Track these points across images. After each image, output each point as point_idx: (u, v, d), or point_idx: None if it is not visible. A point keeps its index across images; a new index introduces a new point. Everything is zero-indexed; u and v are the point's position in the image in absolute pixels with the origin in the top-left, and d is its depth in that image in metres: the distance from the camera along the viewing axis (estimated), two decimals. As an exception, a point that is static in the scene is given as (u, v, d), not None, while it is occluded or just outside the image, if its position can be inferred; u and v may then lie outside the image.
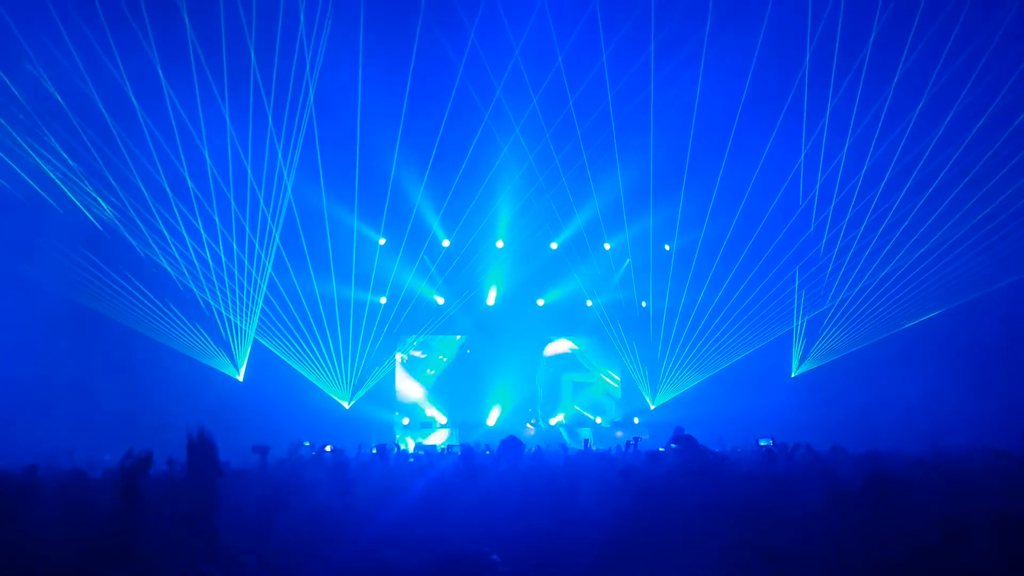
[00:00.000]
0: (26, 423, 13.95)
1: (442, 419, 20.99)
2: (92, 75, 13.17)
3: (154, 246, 15.48)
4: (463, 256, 18.78)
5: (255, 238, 16.38)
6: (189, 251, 15.83)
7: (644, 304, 19.59)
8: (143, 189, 14.74)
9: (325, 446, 10.30)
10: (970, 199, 14.93)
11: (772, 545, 3.46)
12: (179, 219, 15.38)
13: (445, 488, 5.28)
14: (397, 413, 20.55)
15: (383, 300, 19.03)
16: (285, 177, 15.85)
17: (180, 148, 14.61)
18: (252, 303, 17.07)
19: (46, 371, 15.25)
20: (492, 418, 21.17)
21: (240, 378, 17.59)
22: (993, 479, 5.39)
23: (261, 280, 16.92)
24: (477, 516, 4.39)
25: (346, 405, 19.07)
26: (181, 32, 13.45)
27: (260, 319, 17.39)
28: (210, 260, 16.08)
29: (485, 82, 14.95)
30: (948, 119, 14.46)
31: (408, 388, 20.87)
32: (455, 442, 17.21)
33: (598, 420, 21.11)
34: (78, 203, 14.51)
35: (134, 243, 15.24)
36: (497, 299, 20.36)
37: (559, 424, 20.97)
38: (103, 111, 13.69)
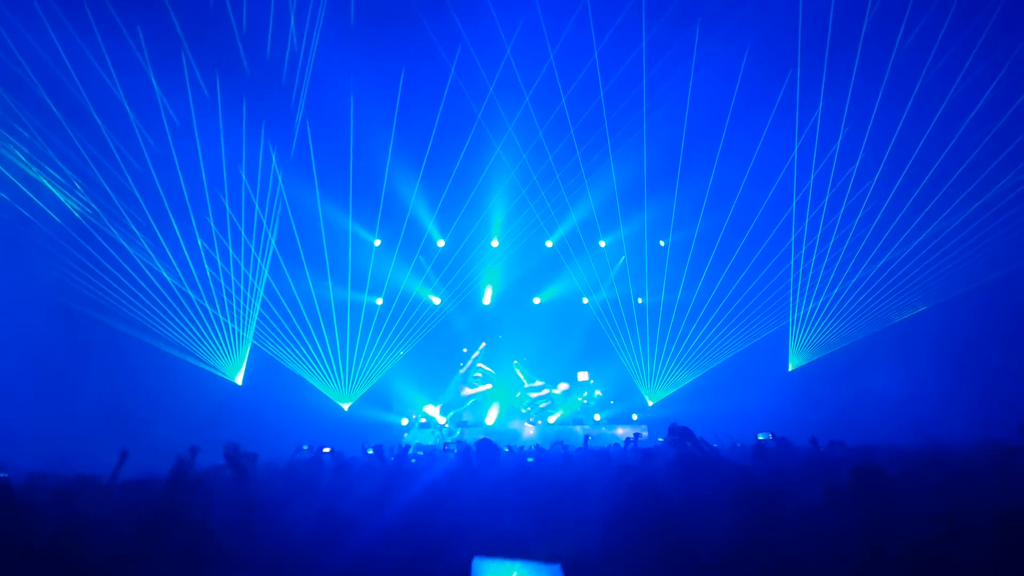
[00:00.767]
0: (22, 428, 13.95)
1: (441, 420, 21.02)
2: (84, 81, 13.16)
3: (150, 252, 15.48)
4: (458, 256, 18.78)
5: (251, 242, 16.39)
6: (185, 256, 15.82)
7: (640, 300, 19.60)
8: (138, 195, 14.74)
9: (323, 448, 10.30)
10: (962, 191, 15.02)
11: (768, 540, 3.47)
12: (174, 224, 15.37)
13: (445, 488, 5.29)
14: (409, 418, 20.59)
15: (379, 301, 19.04)
16: (279, 181, 15.85)
17: (174, 153, 14.61)
18: (249, 307, 17.07)
19: (43, 377, 15.25)
20: (491, 417, 21.21)
21: (239, 382, 17.59)
22: (992, 473, 5.39)
23: (258, 284, 16.94)
24: (476, 515, 4.40)
25: (344, 407, 19.09)
26: (173, 38, 13.46)
27: (257, 322, 17.40)
28: (206, 265, 16.07)
29: (477, 81, 14.96)
30: (940, 111, 14.53)
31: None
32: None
33: (596, 417, 21.11)
34: (73, 209, 14.51)
35: (130, 249, 15.23)
36: (493, 298, 20.38)
37: (558, 422, 20.97)
38: (96, 117, 13.67)
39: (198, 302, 16.48)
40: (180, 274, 16.01)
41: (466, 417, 21.06)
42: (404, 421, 20.78)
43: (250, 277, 16.68)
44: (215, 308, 16.70)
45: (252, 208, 16.02)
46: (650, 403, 20.26)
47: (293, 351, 18.21)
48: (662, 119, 15.81)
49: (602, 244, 19.15)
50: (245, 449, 8.05)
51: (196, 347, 16.78)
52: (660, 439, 13.60)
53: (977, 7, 13.69)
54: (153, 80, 13.58)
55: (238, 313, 16.97)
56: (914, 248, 16.02)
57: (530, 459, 9.96)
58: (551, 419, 21.07)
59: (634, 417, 20.82)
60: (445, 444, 13.60)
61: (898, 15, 13.96)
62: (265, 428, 15.55)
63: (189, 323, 16.46)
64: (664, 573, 3.41)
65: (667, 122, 15.84)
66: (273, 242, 16.50)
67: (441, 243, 18.96)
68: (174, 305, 16.17)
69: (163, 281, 15.86)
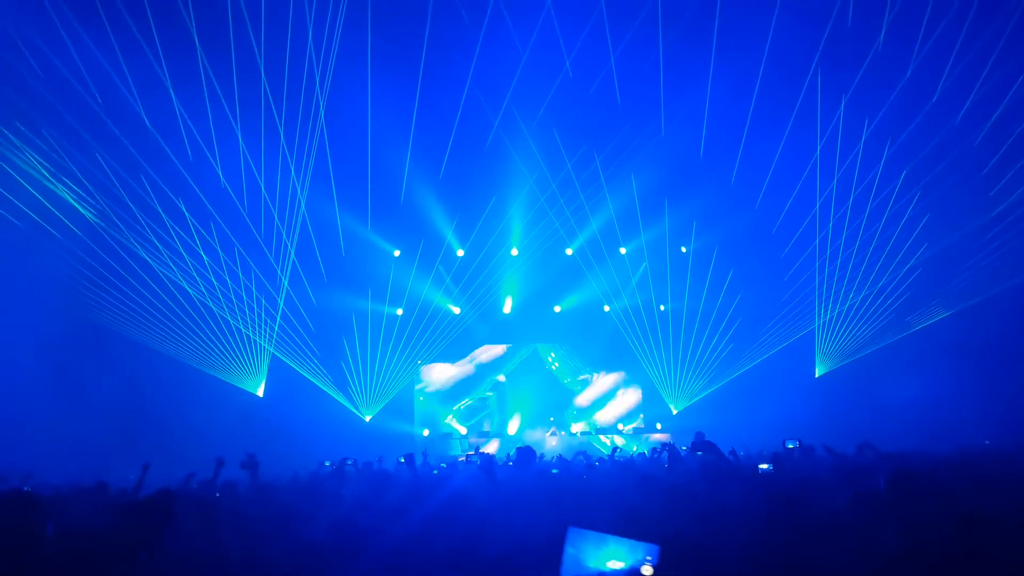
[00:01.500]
0: (48, 441, 14.10)
1: (462, 430, 20.99)
2: (104, 95, 13.33)
3: (171, 264, 15.62)
4: (478, 265, 18.74)
5: (271, 254, 16.49)
6: (206, 268, 15.96)
7: (663, 308, 19.43)
8: (158, 207, 14.90)
9: (346, 460, 10.27)
10: (986, 194, 14.76)
11: (795, 550, 3.38)
12: (195, 237, 15.52)
13: (467, 498, 5.25)
14: (427, 429, 20.57)
15: (399, 312, 19.06)
16: (299, 192, 15.94)
17: (194, 166, 14.76)
18: (270, 319, 17.17)
19: (68, 391, 15.44)
20: (512, 427, 21.11)
21: (260, 394, 17.67)
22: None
23: (278, 296, 17.03)
24: (498, 524, 4.36)
25: (366, 419, 19.10)
26: (192, 52, 13.59)
27: (278, 334, 17.48)
28: (227, 277, 16.20)
29: (495, 90, 14.94)
30: (961, 114, 14.29)
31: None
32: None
33: (621, 427, 20.94)
34: (94, 221, 14.68)
35: (150, 261, 15.38)
36: (513, 307, 20.32)
37: (583, 432, 20.83)
38: (114, 129, 13.85)
39: (219, 314, 16.60)
40: (201, 286, 16.14)
41: (487, 428, 20.98)
42: (426, 432, 20.74)
43: (270, 289, 16.79)
44: (236, 320, 16.81)
45: (271, 220, 16.13)
46: (674, 411, 20.05)
47: (313, 363, 18.28)
48: (681, 123, 15.66)
49: (622, 251, 19.01)
50: (262, 460, 8.09)
51: (216, 359, 16.89)
52: (684, 448, 13.40)
53: (999, 7, 13.43)
54: (173, 96, 13.73)
55: (258, 325, 17.07)
56: (938, 252, 15.77)
57: (555, 471, 9.88)
58: (574, 428, 20.93)
59: (658, 426, 20.61)
60: (468, 455, 13.53)
61: (919, 15, 13.73)
62: (286, 440, 15.62)
63: (209, 335, 16.58)
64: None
65: (687, 126, 15.69)
66: (293, 254, 16.58)
67: (460, 252, 18.94)
68: (195, 317, 16.30)
69: (184, 293, 16.00)
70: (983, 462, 6.47)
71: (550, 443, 19.83)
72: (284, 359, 17.91)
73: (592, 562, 3.25)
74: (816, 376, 18.66)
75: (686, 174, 16.34)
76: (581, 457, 12.67)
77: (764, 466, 8.72)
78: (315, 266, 17.36)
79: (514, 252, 19.12)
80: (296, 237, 16.52)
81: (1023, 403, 14.45)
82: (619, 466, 9.47)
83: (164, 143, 14.34)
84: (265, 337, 17.29)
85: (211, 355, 16.86)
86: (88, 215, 14.52)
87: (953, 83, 14.07)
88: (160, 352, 16.15)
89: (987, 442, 12.72)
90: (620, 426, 20.90)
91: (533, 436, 20.42)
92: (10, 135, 13.23)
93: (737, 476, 5.58)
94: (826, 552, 3.42)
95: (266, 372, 17.72)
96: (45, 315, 15.15)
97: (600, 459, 13.33)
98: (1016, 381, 15.24)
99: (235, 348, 17.09)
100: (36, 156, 13.56)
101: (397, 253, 18.55)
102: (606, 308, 19.97)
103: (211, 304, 16.36)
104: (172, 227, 15.31)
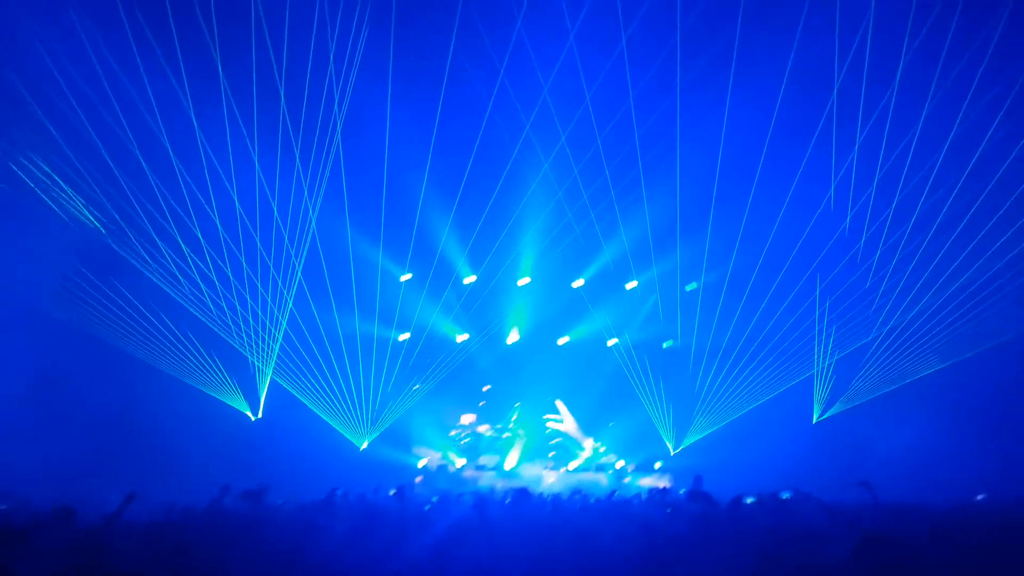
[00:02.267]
0: (40, 457, 13.88)
1: (460, 461, 20.73)
2: (125, 113, 13.34)
3: (173, 280, 15.50)
4: (488, 293, 18.59)
5: (278, 275, 16.37)
6: (210, 286, 15.84)
7: (665, 345, 19.23)
8: (170, 223, 14.83)
9: (335, 490, 10.06)
10: (990, 248, 14.70)
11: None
12: (200, 252, 15.42)
13: (458, 541, 5.08)
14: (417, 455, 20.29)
15: (404, 337, 18.85)
16: (310, 212, 15.87)
17: (208, 183, 14.71)
18: (272, 339, 16.99)
19: (53, 401, 15.22)
20: (511, 460, 20.79)
21: (257, 416, 17.44)
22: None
23: (282, 317, 16.87)
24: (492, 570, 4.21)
25: (363, 445, 18.82)
26: (212, 71, 13.63)
27: (279, 357, 17.28)
28: (235, 297, 16.07)
29: (514, 120, 15.03)
30: (976, 157, 14.25)
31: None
32: None
33: (619, 465, 20.62)
34: (99, 230, 14.61)
35: (151, 275, 15.26)
36: (519, 337, 20.15)
37: (579, 468, 20.50)
38: (135, 149, 13.86)
39: (220, 333, 16.43)
40: (205, 303, 15.99)
41: (484, 461, 20.67)
42: (423, 462, 20.44)
43: (275, 310, 16.63)
44: (236, 340, 16.63)
45: (281, 240, 16.03)
46: (672, 452, 19.75)
47: (313, 386, 18.06)
48: (696, 160, 15.75)
49: (629, 286, 18.87)
50: (259, 487, 7.90)
51: (214, 379, 16.67)
52: (682, 491, 13.21)
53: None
54: (192, 114, 13.74)
55: (260, 346, 16.88)
56: (941, 304, 15.68)
57: (550, 510, 9.64)
58: (571, 465, 20.62)
59: (656, 466, 20.33)
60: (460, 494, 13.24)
61: (937, 53, 13.67)
62: (281, 465, 15.38)
63: (208, 354, 16.39)
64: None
65: (701, 163, 15.81)
66: (299, 275, 16.46)
67: (469, 280, 18.77)
68: (194, 333, 16.08)
69: (183, 309, 15.79)
70: (963, 527, 6.30)
71: (547, 479, 19.54)
72: (282, 382, 17.69)
73: None
74: (813, 421, 18.50)
75: (699, 210, 16.31)
76: (578, 496, 12.42)
77: (749, 500, 8.57)
78: (322, 288, 17.24)
79: (522, 282, 18.97)
80: (304, 258, 16.41)
81: (1015, 457, 14.51)
82: (618, 509, 9.24)
83: (176, 155, 14.29)
84: (264, 359, 17.10)
85: (208, 374, 16.63)
86: (91, 222, 14.44)
87: (970, 124, 14.03)
88: (155, 367, 15.91)
89: (979, 497, 12.90)
90: (618, 464, 20.58)
91: (532, 471, 20.12)
92: (18, 138, 13.22)
93: (731, 531, 5.44)
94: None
95: (264, 394, 17.49)
96: (34, 320, 15.00)
97: (598, 498, 13.08)
98: (1008, 435, 15.32)
99: (234, 368, 16.88)
100: (42, 160, 13.55)
101: (405, 278, 18.41)
102: (611, 342, 19.76)
103: (211, 321, 16.20)
104: (177, 240, 15.19)
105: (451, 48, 13.59)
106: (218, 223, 15.20)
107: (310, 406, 18.04)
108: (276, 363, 17.25)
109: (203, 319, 16.05)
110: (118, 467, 14.57)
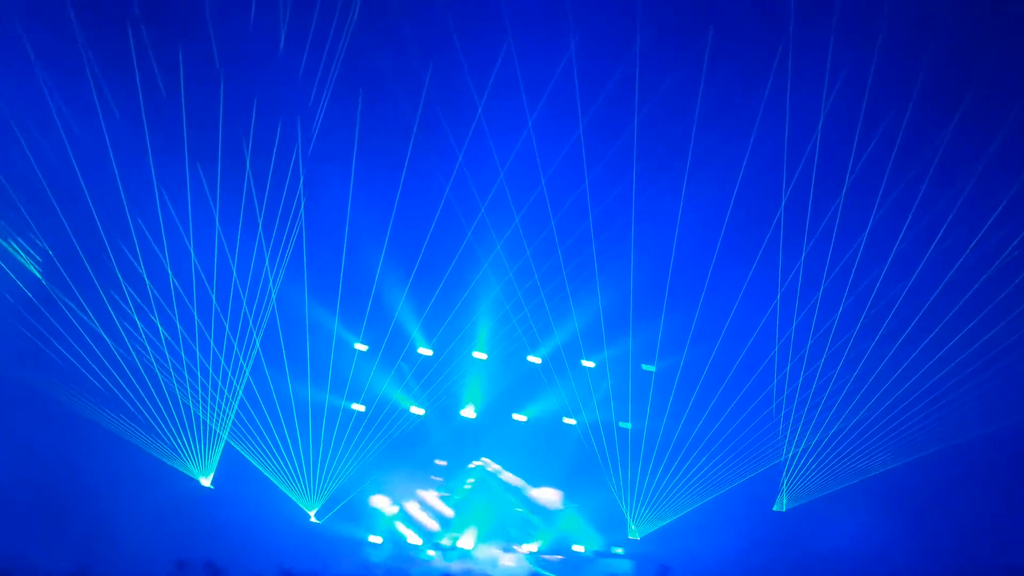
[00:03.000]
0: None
1: (417, 540, 20.25)
2: (79, 156, 13.50)
3: (126, 337, 15.40)
4: (440, 366, 18.64)
5: (234, 339, 16.39)
6: (163, 345, 15.78)
7: (624, 425, 19.17)
8: (121, 280, 14.89)
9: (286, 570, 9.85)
10: (945, 346, 15.02)
11: None
12: (154, 310, 15.42)
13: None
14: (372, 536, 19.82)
15: (357, 407, 18.72)
16: (270, 283, 16.04)
17: (165, 242, 14.88)
18: (227, 404, 16.84)
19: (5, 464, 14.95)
20: (467, 541, 20.32)
21: (208, 483, 17.11)
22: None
23: (238, 383, 16.78)
24: None
25: (311, 515, 18.41)
26: (178, 128, 13.91)
27: (234, 422, 17.10)
28: (184, 357, 16.01)
29: (469, 200, 15.44)
30: (920, 268, 14.76)
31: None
32: None
33: (579, 549, 20.19)
34: (44, 283, 14.58)
35: (105, 337, 15.21)
36: (476, 412, 20.03)
37: (531, 555, 20.02)
38: (87, 196, 13.99)
39: (176, 396, 16.26)
40: (159, 367, 15.89)
41: (445, 541, 20.20)
42: (378, 540, 19.93)
43: (229, 374, 16.56)
44: (193, 404, 16.46)
45: (240, 305, 16.13)
46: (633, 537, 19.38)
47: (266, 455, 17.80)
48: (650, 248, 16.13)
49: (586, 364, 18.96)
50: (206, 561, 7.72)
51: (164, 442, 16.41)
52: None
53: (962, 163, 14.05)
54: (152, 168, 13.98)
55: (215, 411, 16.71)
56: (892, 403, 15.88)
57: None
58: (524, 549, 20.13)
59: (618, 551, 19.94)
60: None
61: (883, 165, 14.34)
62: (230, 537, 15.08)
63: (160, 415, 16.17)
64: None
65: (655, 251, 16.17)
66: (258, 343, 16.49)
67: (424, 351, 18.84)
68: (146, 394, 15.88)
69: (134, 367, 15.65)
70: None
71: (503, 561, 19.12)
72: (237, 447, 17.46)
73: None
74: (779, 510, 18.34)
75: (652, 297, 16.62)
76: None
77: None
78: (278, 354, 17.26)
79: (478, 355, 19.02)
80: (264, 325, 16.48)
81: (966, 559, 14.73)
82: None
83: (135, 212, 14.45)
84: (220, 424, 16.90)
85: (159, 437, 16.39)
86: (35, 272, 14.41)
87: (915, 236, 14.57)
88: (100, 425, 15.64)
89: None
90: (577, 547, 20.14)
91: (488, 552, 19.68)
92: None
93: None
94: None
95: (217, 461, 17.21)
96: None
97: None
98: (963, 535, 15.47)
99: (187, 432, 16.66)
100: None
101: (362, 347, 18.45)
102: (570, 421, 19.66)
103: (165, 383, 16.05)
104: (131, 297, 15.18)
105: (413, 132, 14.15)
106: (173, 279, 15.29)
107: (263, 471, 17.78)
108: (231, 429, 17.08)
109: (156, 378, 15.95)
110: (68, 533, 14.25)
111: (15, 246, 14.02)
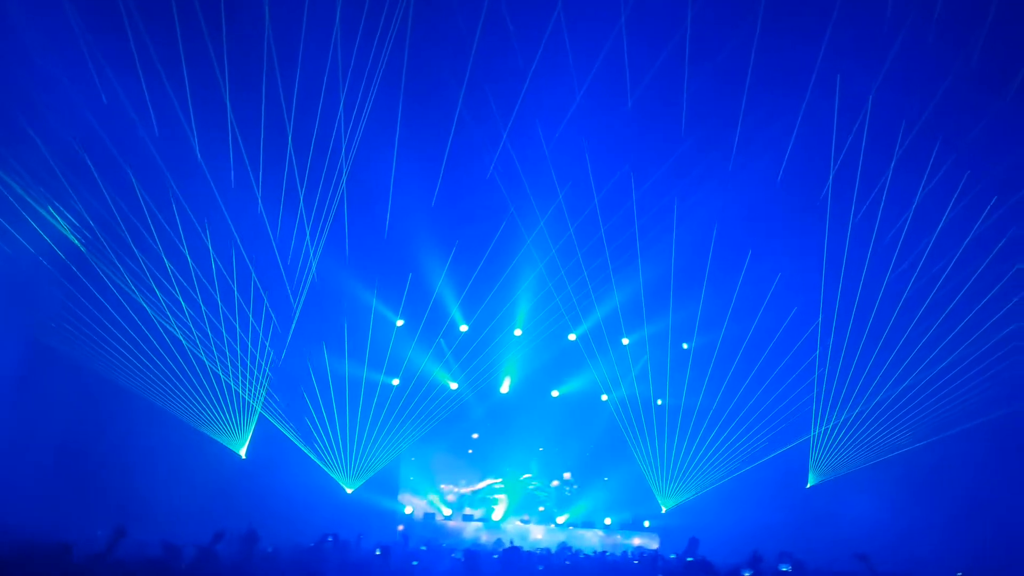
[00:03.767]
0: (23, 487, 13.66)
1: (446, 511, 20.55)
2: (121, 128, 13.36)
3: (165, 310, 15.42)
4: (480, 342, 18.71)
5: (272, 313, 16.43)
6: (202, 319, 15.82)
7: (660, 402, 19.31)
8: (163, 255, 14.89)
9: (327, 536, 9.97)
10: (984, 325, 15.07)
11: None
12: (195, 284, 15.44)
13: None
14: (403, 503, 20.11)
15: (395, 382, 18.85)
16: (311, 256, 16.01)
17: (207, 217, 14.85)
18: (263, 377, 16.93)
19: (48, 435, 15.07)
20: (498, 512, 20.62)
21: (243, 454, 17.27)
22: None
23: (276, 355, 16.85)
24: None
25: (348, 490, 18.62)
26: (220, 99, 13.73)
27: (267, 395, 17.21)
28: (224, 331, 16.05)
29: (514, 177, 15.38)
30: (967, 241, 14.66)
31: None
32: None
33: (608, 521, 20.48)
34: (96, 264, 14.60)
35: (146, 306, 15.20)
36: (511, 388, 20.18)
37: (566, 523, 20.34)
38: (132, 178, 13.94)
39: (210, 367, 16.33)
40: (196, 338, 15.92)
41: (470, 511, 20.52)
42: (409, 509, 20.23)
43: (268, 347, 16.61)
44: (227, 375, 16.54)
45: (280, 279, 16.14)
46: (663, 510, 19.63)
47: (301, 428, 17.97)
48: (693, 225, 16.07)
49: (624, 342, 19.04)
50: (247, 530, 7.85)
51: (201, 413, 16.50)
52: (673, 556, 13.18)
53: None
54: (196, 148, 13.87)
55: (250, 383, 16.80)
56: (940, 372, 15.93)
57: (540, 567, 9.63)
58: (559, 519, 20.44)
59: (646, 524, 20.22)
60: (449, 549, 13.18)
61: (930, 144, 14.13)
62: (266, 506, 15.24)
63: (196, 387, 16.23)
64: None
65: (698, 228, 16.09)
66: (297, 315, 16.52)
67: (464, 328, 18.92)
68: (182, 365, 15.87)
69: (175, 339, 15.63)
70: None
71: (534, 533, 19.42)
72: (271, 420, 17.59)
73: None
74: (807, 486, 18.51)
75: (693, 275, 16.62)
76: (568, 553, 12.37)
77: (747, 574, 8.61)
78: (317, 329, 17.30)
79: (517, 332, 19.12)
80: (303, 300, 16.49)
81: (996, 538, 14.91)
82: (610, 570, 9.20)
83: (176, 185, 14.39)
84: (255, 396, 17.00)
85: (195, 407, 16.47)
86: (76, 242, 14.36)
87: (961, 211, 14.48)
88: (140, 396, 15.71)
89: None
90: (607, 520, 20.42)
91: (517, 524, 19.97)
92: (11, 157, 13.11)
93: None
94: None
95: (251, 432, 17.33)
96: (18, 346, 14.87)
97: (587, 556, 13.03)
98: (988, 514, 15.61)
99: (222, 404, 16.76)
100: (45, 195, 13.53)
101: (400, 323, 18.52)
102: (603, 397, 19.80)
103: (203, 355, 16.11)
104: (171, 270, 15.17)
105: (458, 107, 14.02)
106: (213, 255, 15.27)
107: (299, 446, 17.95)
108: (264, 401, 17.19)
109: (194, 351, 16.00)
110: (105, 499, 14.41)
111: (55, 215, 13.93)
